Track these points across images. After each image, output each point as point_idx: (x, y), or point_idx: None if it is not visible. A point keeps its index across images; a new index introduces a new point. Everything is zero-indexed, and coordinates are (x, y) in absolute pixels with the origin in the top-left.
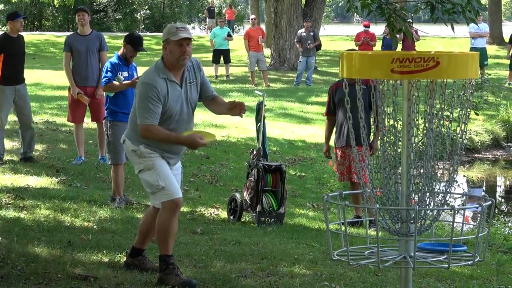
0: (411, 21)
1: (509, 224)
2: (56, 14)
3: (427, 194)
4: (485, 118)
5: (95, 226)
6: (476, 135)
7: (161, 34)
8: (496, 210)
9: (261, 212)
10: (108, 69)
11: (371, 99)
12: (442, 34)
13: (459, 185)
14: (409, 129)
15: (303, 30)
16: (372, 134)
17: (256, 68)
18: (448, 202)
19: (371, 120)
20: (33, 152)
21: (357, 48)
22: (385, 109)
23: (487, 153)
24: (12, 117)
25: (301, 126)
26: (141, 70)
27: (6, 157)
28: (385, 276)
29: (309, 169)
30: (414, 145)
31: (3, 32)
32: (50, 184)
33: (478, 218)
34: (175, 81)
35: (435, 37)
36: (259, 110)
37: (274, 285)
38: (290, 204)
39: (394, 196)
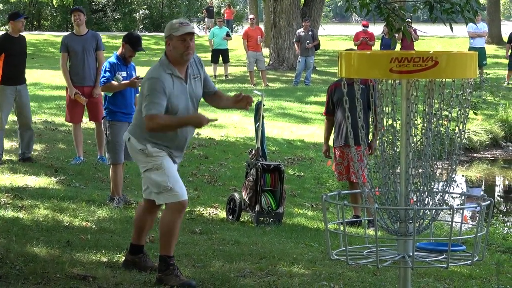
0: (409, 20)
1: (508, 223)
2: (54, 14)
3: (426, 193)
4: (483, 117)
5: (93, 226)
6: (475, 135)
7: (160, 34)
8: (494, 210)
9: (260, 212)
10: (107, 69)
11: (370, 98)
12: (441, 33)
13: (457, 184)
14: (408, 128)
15: (302, 29)
16: (370, 133)
17: (255, 67)
18: (446, 201)
19: (370, 119)
20: (32, 152)
21: (355, 47)
22: (384, 108)
23: (485, 153)
24: (11, 117)
25: (300, 125)
26: (140, 70)
27: (5, 157)
28: (384, 275)
29: (308, 168)
30: (412, 144)
31: (5, 32)
32: (49, 184)
33: (477, 218)
34: (180, 76)
35: (433, 37)
36: (258, 110)
37: (273, 284)
38: (288, 203)
39: (392, 195)
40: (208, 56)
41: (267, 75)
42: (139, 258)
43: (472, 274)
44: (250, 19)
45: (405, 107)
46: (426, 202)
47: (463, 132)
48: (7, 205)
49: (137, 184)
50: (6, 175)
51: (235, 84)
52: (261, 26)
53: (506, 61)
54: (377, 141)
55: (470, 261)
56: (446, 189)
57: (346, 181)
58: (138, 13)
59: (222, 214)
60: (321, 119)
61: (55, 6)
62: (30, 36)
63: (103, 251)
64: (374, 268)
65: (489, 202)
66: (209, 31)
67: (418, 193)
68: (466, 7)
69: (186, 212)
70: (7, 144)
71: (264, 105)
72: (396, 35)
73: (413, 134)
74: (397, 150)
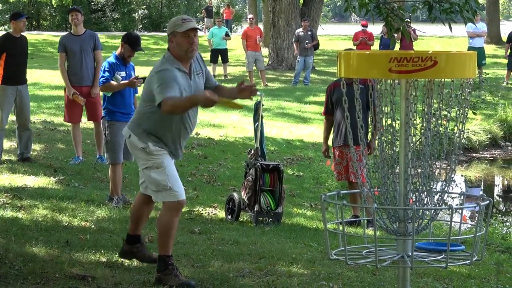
0: (409, 20)
1: (507, 223)
2: (54, 14)
3: (425, 193)
4: (483, 117)
5: (93, 226)
6: (474, 135)
7: (159, 34)
8: (494, 210)
9: (259, 212)
10: (106, 69)
11: (369, 98)
12: (440, 33)
13: (457, 184)
14: (407, 128)
15: (301, 29)
16: (370, 133)
17: (254, 67)
18: (446, 201)
19: (369, 119)
20: (31, 152)
21: (355, 47)
22: (383, 108)
23: (485, 153)
24: (10, 117)
25: (299, 125)
26: (139, 70)
27: (4, 157)
28: (383, 275)
29: (307, 168)
30: (412, 144)
31: (6, 32)
32: (48, 184)
33: (476, 218)
34: (186, 71)
35: (433, 37)
36: (257, 110)
37: (272, 284)
38: (288, 203)
39: (391, 195)
40: (207, 56)
41: (266, 75)
42: (136, 248)
43: (471, 274)
44: (249, 19)
45: (404, 107)
46: (425, 202)
47: (462, 132)
48: (6, 205)
49: (136, 184)
50: (5, 175)
51: (234, 84)
52: (260, 26)
53: (505, 61)
54: (376, 141)
55: (469, 261)
56: (445, 189)
57: (345, 181)
58: (137, 13)
59: (221, 214)
60: (320, 119)
61: (54, 6)
62: (29, 36)
63: (102, 251)
64: (373, 268)
65: (488, 202)
66: (208, 31)
67: (417, 193)
68: (465, 7)
69: (185, 212)
70: (6, 144)
71: (263, 105)
72: (395, 35)
73: (412, 134)
74: (396, 150)
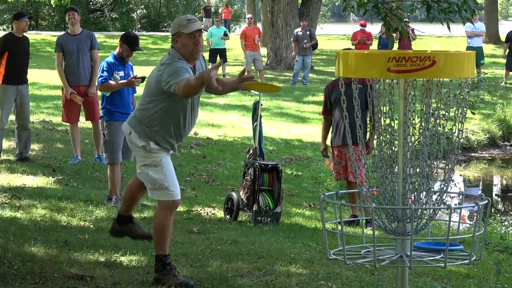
0: (407, 20)
1: (506, 223)
2: (52, 14)
3: (424, 193)
4: (481, 117)
5: (91, 226)
6: (473, 134)
7: (157, 33)
8: (492, 209)
9: (258, 212)
10: (104, 69)
11: (368, 98)
12: (439, 33)
13: (455, 184)
14: (405, 128)
15: (299, 29)
16: (368, 133)
17: (253, 67)
18: (444, 201)
19: (368, 119)
20: (30, 152)
21: (353, 47)
22: (382, 108)
23: (483, 152)
24: (10, 117)
25: (298, 125)
26: (137, 70)
27: (3, 157)
28: (382, 275)
29: (306, 168)
30: (410, 144)
31: (9, 31)
32: (47, 184)
33: (475, 217)
34: (192, 68)
35: (431, 36)
36: (255, 110)
37: (270, 284)
38: (286, 203)
39: (390, 195)
40: (206, 55)
41: (264, 74)
42: (128, 227)
43: (470, 273)
44: (248, 18)
45: (403, 106)
46: (423, 201)
47: (461, 132)
48: (5, 205)
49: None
50: (3, 175)
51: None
52: (259, 25)
53: (504, 61)
54: (375, 141)
55: (468, 261)
56: (444, 189)
57: (344, 181)
58: (135, 12)
59: (220, 213)
60: (318, 118)
61: (53, 6)
62: (28, 36)
63: (101, 251)
64: (372, 267)
65: (486, 201)
66: (206, 31)
67: (415, 193)
68: (463, 7)
69: (183, 211)
70: (5, 144)
71: (261, 105)
72: (394, 35)
73: (410, 134)
74: (395, 150)
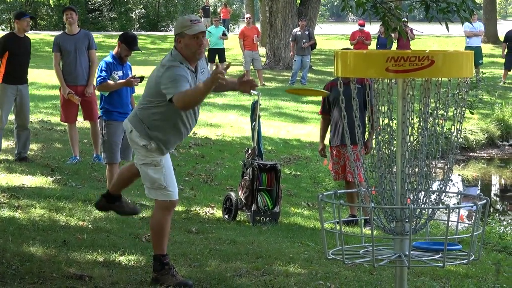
0: (406, 20)
1: (504, 222)
2: (51, 14)
3: (422, 193)
4: (480, 117)
5: (90, 226)
6: (471, 134)
7: (155, 33)
8: (491, 209)
9: (256, 211)
10: (103, 68)
11: (366, 98)
12: (437, 33)
13: (454, 184)
14: (404, 128)
15: (298, 29)
16: (367, 133)
17: (251, 67)
18: (443, 201)
19: (366, 119)
20: (28, 152)
21: (352, 47)
22: (380, 108)
23: (482, 152)
24: (9, 117)
25: (296, 125)
26: (136, 69)
27: (1, 157)
28: (380, 275)
29: (304, 168)
30: (409, 144)
31: (11, 31)
32: (45, 184)
33: (473, 217)
34: (193, 69)
35: (430, 36)
36: (254, 109)
37: (269, 284)
38: (285, 203)
39: (389, 195)
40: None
41: (263, 74)
42: (115, 206)
43: (469, 273)
44: (247, 18)
45: (401, 106)
46: (422, 201)
47: (459, 132)
48: (3, 205)
49: (134, 183)
50: (2, 175)
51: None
52: (258, 25)
53: (502, 60)
54: (373, 141)
55: (466, 260)
56: (443, 188)
57: (343, 181)
58: (134, 12)
59: (219, 213)
60: (317, 118)
61: (52, 5)
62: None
63: (100, 251)
64: (371, 267)
65: (485, 201)
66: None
67: (414, 192)
68: (462, 7)
69: (182, 211)
70: (4, 143)
71: (260, 105)
72: (392, 34)
73: (409, 134)
74: (393, 150)
